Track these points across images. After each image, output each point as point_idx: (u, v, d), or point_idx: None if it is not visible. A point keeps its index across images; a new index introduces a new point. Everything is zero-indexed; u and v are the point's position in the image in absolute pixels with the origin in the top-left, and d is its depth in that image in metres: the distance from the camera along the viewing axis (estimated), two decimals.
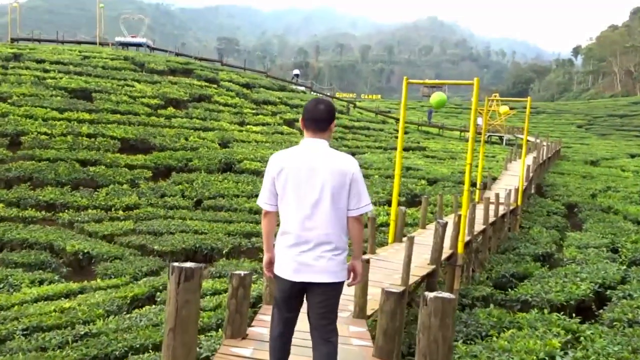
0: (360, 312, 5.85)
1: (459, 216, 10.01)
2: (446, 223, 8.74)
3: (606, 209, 20.09)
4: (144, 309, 10.31)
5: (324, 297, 3.26)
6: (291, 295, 3.34)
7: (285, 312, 3.40)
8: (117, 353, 7.91)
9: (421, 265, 8.57)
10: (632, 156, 37.04)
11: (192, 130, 25.07)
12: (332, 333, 3.34)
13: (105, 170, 19.93)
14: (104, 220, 17.04)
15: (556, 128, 53.86)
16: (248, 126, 28.19)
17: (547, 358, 6.92)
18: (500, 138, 42.30)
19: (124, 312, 10.29)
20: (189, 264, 3.01)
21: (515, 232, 17.38)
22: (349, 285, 3.50)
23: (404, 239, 11.00)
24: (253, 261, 14.04)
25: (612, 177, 26.99)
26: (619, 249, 14.71)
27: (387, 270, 8.08)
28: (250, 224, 17.03)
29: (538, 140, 36.62)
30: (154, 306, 10.37)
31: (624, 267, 12.28)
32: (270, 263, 3.44)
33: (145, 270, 13.20)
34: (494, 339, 7.89)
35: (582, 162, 32.88)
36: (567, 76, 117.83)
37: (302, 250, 3.22)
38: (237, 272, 4.37)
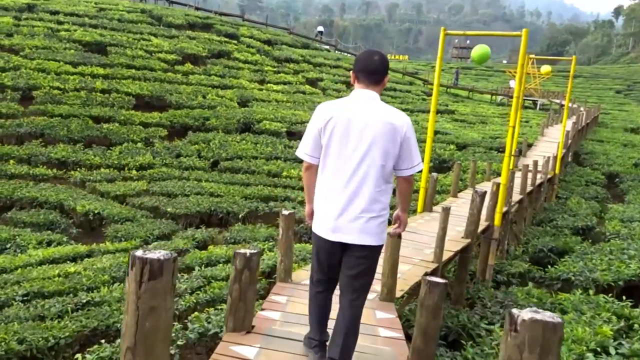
0: (388, 294, 4.96)
1: (497, 185, 8.97)
2: (484, 192, 7.73)
3: None
4: None
5: (361, 260, 3.08)
6: (330, 254, 3.15)
7: (323, 274, 3.26)
8: (118, 325, 7.19)
9: (454, 239, 7.61)
10: None
11: (210, 88, 24.14)
12: (363, 296, 3.18)
13: (119, 127, 19.27)
14: (117, 180, 16.46)
15: (593, 93, 51.52)
16: (268, 85, 27.12)
17: (598, 349, 5.98)
18: (534, 102, 40.42)
19: None
20: (155, 254, 2.11)
21: (551, 202, 16.25)
22: (392, 233, 3.44)
23: (435, 208, 10.03)
24: (270, 227, 13.26)
25: None
26: None
27: (416, 243, 7.15)
28: (269, 187, 16.24)
29: (575, 106, 34.82)
30: None
31: None
32: (312, 212, 3.26)
33: (157, 234, 12.55)
34: None
35: (621, 129, 31.16)
36: (605, 38, 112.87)
37: (343, 208, 3.00)
38: (242, 250, 3.49)
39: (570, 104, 38.12)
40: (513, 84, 44.30)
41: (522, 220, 12.38)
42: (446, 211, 6.38)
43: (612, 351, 5.87)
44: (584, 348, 5.89)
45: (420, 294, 3.13)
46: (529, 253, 10.99)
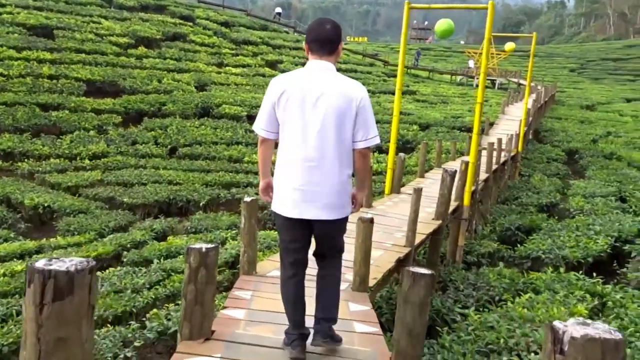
0: (361, 284, 4.62)
1: (466, 163, 8.73)
2: (455, 171, 7.47)
3: (608, 155, 19.02)
4: (107, 271, 9.05)
5: (326, 234, 3.04)
6: (293, 234, 3.03)
7: (290, 254, 3.09)
8: None
9: (425, 221, 7.33)
10: (628, 100, 35.96)
11: (165, 72, 23.28)
12: (338, 259, 3.20)
13: (70, 115, 18.35)
14: (68, 170, 15.67)
15: (548, 72, 52.38)
16: (227, 68, 26.36)
17: None
18: (492, 82, 40.77)
19: None
20: (63, 263, 1.62)
21: (515, 180, 16.26)
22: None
23: (402, 189, 9.76)
24: (233, 214, 12.81)
25: (611, 122, 25.91)
26: (627, 198, 13.68)
27: (386, 227, 6.83)
28: (230, 174, 15.73)
29: (533, 84, 35.22)
30: (119, 268, 9.11)
31: (639, 218, 11.20)
32: (268, 187, 3.13)
33: (112, 226, 11.92)
34: (510, 304, 6.77)
35: (577, 106, 31.69)
36: (558, 19, 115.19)
37: (304, 183, 2.90)
38: (196, 245, 3.05)
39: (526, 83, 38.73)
40: (472, 64, 44.58)
41: (488, 199, 12.27)
42: (418, 192, 6.07)
43: None
44: None
45: (403, 288, 2.78)
46: (496, 232, 10.87)
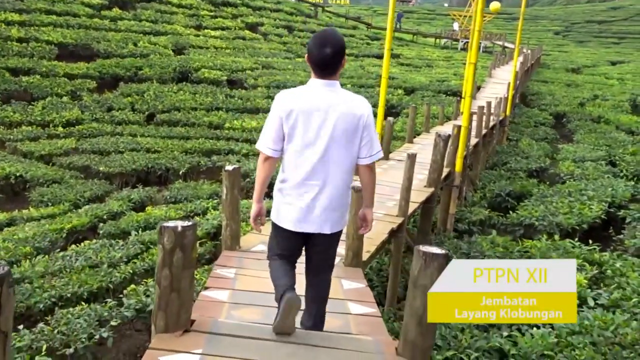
0: (354, 258, 4.26)
1: (458, 128, 8.34)
2: (449, 136, 7.07)
3: (596, 119, 18.78)
4: (82, 244, 8.58)
5: (324, 246, 3.08)
6: (294, 243, 3.05)
7: (288, 257, 3.10)
8: (41, 306, 6.22)
9: (417, 189, 6.96)
10: (613, 63, 35.71)
11: (141, 35, 22.38)
12: (328, 273, 3.19)
13: (41, 80, 17.57)
14: (41, 138, 15.06)
15: (532, 35, 51.82)
16: (206, 30, 25.42)
17: (577, 301, 5.55)
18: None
19: (58, 250, 8.55)
20: None
21: (503, 145, 15.96)
22: (359, 233, 3.35)
23: (391, 155, 9.37)
24: (214, 183, 12.34)
25: (598, 85, 25.63)
26: (617, 162, 13.48)
27: (377, 195, 6.34)
28: (210, 140, 15.22)
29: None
30: (94, 240, 8.64)
31: (632, 183, 11.00)
32: (260, 215, 3.08)
33: (88, 196, 11.41)
34: None
35: (563, 69, 31.35)
36: None
37: (307, 199, 2.92)
38: (170, 223, 2.62)
39: (512, 46, 38.17)
40: (457, 26, 43.86)
41: (478, 164, 11.96)
42: (412, 158, 5.67)
43: (591, 302, 5.45)
44: None
45: (413, 270, 2.41)
46: (486, 199, 10.59)
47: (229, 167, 4.28)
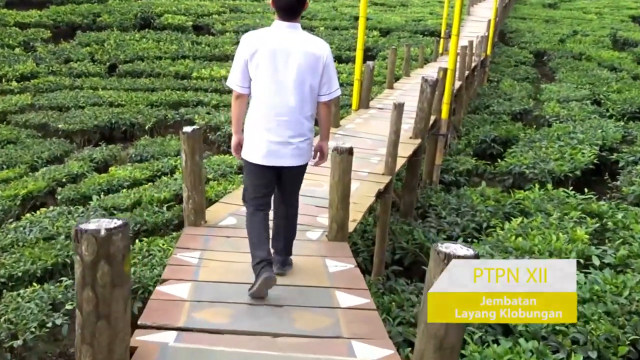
0: (339, 231, 3.67)
1: (444, 71, 7.66)
2: (436, 81, 6.41)
3: (577, 56, 18.20)
4: (38, 212, 7.85)
5: (292, 178, 3.27)
6: (265, 178, 3.21)
7: (257, 193, 3.23)
8: None
9: (402, 141, 6.29)
10: None
11: None
12: (295, 199, 3.38)
13: None
14: None
15: None
16: None
17: (581, 260, 5.11)
18: None
19: (11, 220, 7.81)
20: None
21: (484, 86, 15.35)
22: (314, 165, 3.44)
23: (372, 103, 8.69)
24: None
25: (577, 20, 24.92)
26: (602, 101, 13.02)
27: (359, 151, 5.70)
28: (177, 92, 14.29)
29: None
30: (51, 208, 7.91)
31: (621, 123, 10.55)
32: (239, 145, 3.28)
33: (46, 157, 10.60)
34: (500, 232, 6.02)
35: (540, 5, 30.47)
36: None
37: (274, 134, 3.10)
38: (91, 225, 1.94)
39: None
40: None
41: (461, 109, 11.37)
42: (399, 108, 5.01)
43: (596, 261, 5.01)
44: None
45: (430, 276, 1.80)
46: (471, 146, 10.05)
47: (187, 129, 3.59)
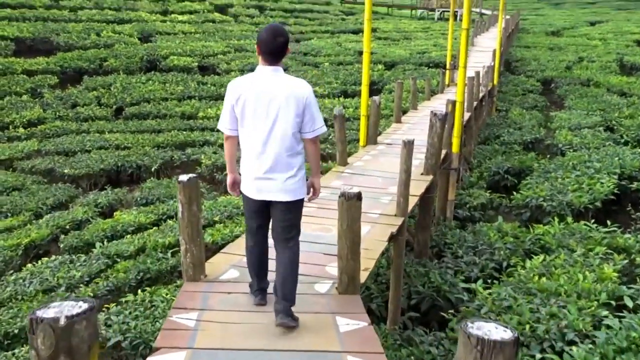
0: (350, 284, 3.37)
1: (453, 103, 7.44)
2: (445, 114, 6.17)
3: (585, 82, 18.00)
4: (40, 262, 7.63)
5: (284, 214, 3.38)
6: (257, 211, 3.46)
7: (254, 223, 3.50)
8: None
9: (414, 177, 6.04)
10: (592, 24, 34.94)
11: (104, 24, 21.11)
12: (293, 241, 3.42)
13: None
14: (0, 141, 14.00)
15: (508, 0, 50.80)
16: (172, 15, 24.17)
17: (612, 302, 4.75)
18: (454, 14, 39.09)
19: (12, 271, 7.58)
20: None
21: (492, 116, 15.13)
22: (308, 200, 3.57)
23: (379, 139, 8.46)
24: None
25: (581, 46, 24.84)
26: (615, 127, 12.72)
27: (369, 190, 5.48)
28: (184, 132, 14.18)
29: (494, 13, 33.82)
30: (53, 257, 7.68)
31: (638, 150, 10.23)
32: (234, 183, 3.55)
33: (51, 203, 10.46)
34: (521, 271, 5.69)
35: (543, 33, 30.52)
36: None
37: (262, 172, 3.33)
38: (50, 311, 1.67)
39: (489, 12, 37.21)
40: None
41: (471, 140, 11.12)
42: (409, 146, 4.76)
43: (629, 302, 4.65)
44: (595, 304, 4.63)
45: None
46: (484, 178, 9.76)
47: (183, 177, 3.35)
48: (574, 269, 5.43)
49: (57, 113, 15.63)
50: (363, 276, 3.58)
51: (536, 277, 5.34)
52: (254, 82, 3.31)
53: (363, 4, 29.18)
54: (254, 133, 3.29)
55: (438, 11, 40.66)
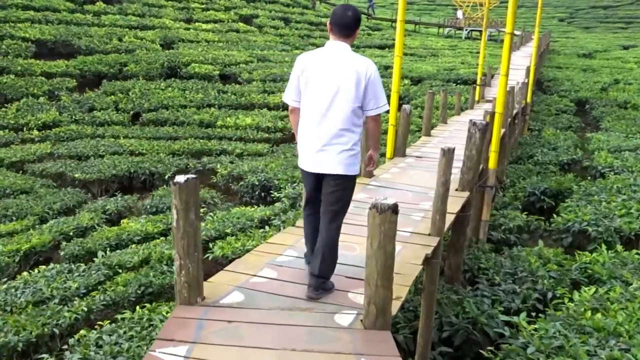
0: (379, 316, 2.70)
1: (492, 115, 6.78)
2: (486, 124, 5.50)
3: (622, 104, 17.15)
4: (37, 270, 7.06)
5: (335, 188, 3.42)
6: (312, 182, 3.55)
7: (309, 194, 3.61)
8: None
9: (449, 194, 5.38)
10: (625, 48, 34.01)
11: (127, 29, 20.93)
12: (341, 212, 3.48)
13: (16, 80, 16.29)
14: (14, 143, 13.78)
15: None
16: (197, 24, 23.94)
17: None
18: (481, 33, 38.50)
19: (6, 278, 7.03)
20: None
21: (525, 135, 14.37)
22: (367, 171, 4.09)
23: (408, 151, 7.80)
24: (203, 187, 10.82)
25: (616, 69, 23.98)
26: None
27: (399, 206, 4.84)
28: (201, 140, 13.70)
29: (524, 32, 33.12)
30: (51, 265, 7.11)
31: None
32: None
33: (57, 208, 9.99)
34: (570, 304, 4.95)
35: (574, 55, 29.69)
36: None
37: (319, 144, 3.38)
38: None
39: (519, 33, 36.49)
40: (460, 14, 42.21)
41: (504, 158, 10.39)
42: (449, 155, 4.10)
43: None
44: None
45: None
46: (519, 199, 9.02)
47: (180, 178, 2.74)
48: (633, 304, 4.69)
49: (73, 116, 15.33)
50: (395, 306, 2.91)
51: (588, 313, 4.60)
52: (320, 56, 3.40)
53: (389, 20, 28.75)
54: (315, 105, 3.35)
55: (466, 30, 40.08)
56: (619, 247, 6.36)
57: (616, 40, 39.22)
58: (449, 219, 4.59)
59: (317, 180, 3.47)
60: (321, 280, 3.25)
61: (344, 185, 3.41)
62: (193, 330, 2.58)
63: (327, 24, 3.45)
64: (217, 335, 2.56)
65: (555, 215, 7.71)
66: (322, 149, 3.34)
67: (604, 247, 6.36)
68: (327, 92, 3.30)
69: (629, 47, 34.53)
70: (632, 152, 11.51)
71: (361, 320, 2.81)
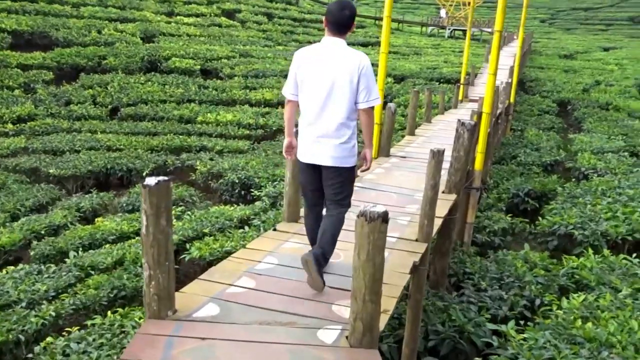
0: (366, 333, 2.50)
1: (479, 114, 6.63)
2: (475, 124, 5.34)
3: (604, 106, 17.22)
4: (5, 270, 6.73)
5: (334, 179, 3.53)
6: (309, 175, 3.64)
7: (308, 188, 3.71)
8: None
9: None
10: (606, 49, 34.35)
11: (106, 22, 20.51)
12: (344, 203, 3.59)
13: None
14: None
15: (518, 22, 50.36)
16: (178, 17, 23.57)
17: None
18: (464, 32, 38.58)
19: None
20: None
21: (507, 136, 14.32)
22: (361, 171, 3.79)
23: (392, 150, 7.62)
24: (182, 184, 10.55)
25: (597, 70, 24.16)
26: (639, 153, 11.91)
27: (385, 209, 4.66)
28: (180, 136, 13.39)
29: (506, 32, 33.26)
30: (20, 266, 6.79)
31: None
32: (290, 147, 3.74)
33: (30, 205, 9.63)
34: (558, 312, 4.81)
35: (556, 56, 29.88)
36: None
37: (316, 136, 3.49)
38: None
39: (503, 32, 36.69)
40: (443, 13, 42.28)
41: (487, 159, 10.27)
42: (438, 156, 3.92)
43: None
44: None
45: None
46: (503, 200, 8.91)
47: (150, 180, 2.50)
48: (624, 312, 4.57)
49: (49, 110, 14.90)
50: (382, 321, 2.71)
51: (579, 321, 4.47)
52: (315, 51, 3.47)
53: (373, 18, 28.61)
54: (312, 100, 3.43)
55: (449, 29, 40.15)
56: (606, 252, 6.26)
57: (597, 41, 39.64)
58: (437, 223, 4.41)
59: (314, 172, 3.55)
60: (319, 249, 3.32)
61: (342, 177, 3.51)
62: (161, 350, 2.35)
63: (324, 19, 3.51)
64: (188, 355, 2.33)
65: (540, 218, 7.61)
66: (319, 141, 3.43)
67: (590, 251, 6.25)
68: (322, 87, 3.39)
69: (609, 48, 34.94)
70: (615, 154, 11.50)
71: (346, 337, 2.61)
